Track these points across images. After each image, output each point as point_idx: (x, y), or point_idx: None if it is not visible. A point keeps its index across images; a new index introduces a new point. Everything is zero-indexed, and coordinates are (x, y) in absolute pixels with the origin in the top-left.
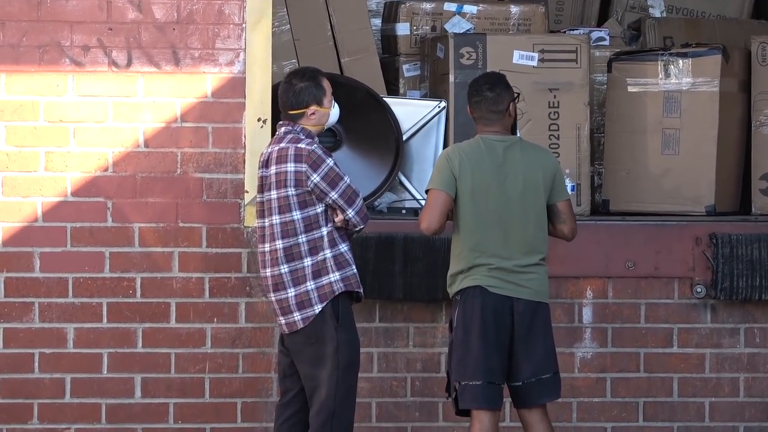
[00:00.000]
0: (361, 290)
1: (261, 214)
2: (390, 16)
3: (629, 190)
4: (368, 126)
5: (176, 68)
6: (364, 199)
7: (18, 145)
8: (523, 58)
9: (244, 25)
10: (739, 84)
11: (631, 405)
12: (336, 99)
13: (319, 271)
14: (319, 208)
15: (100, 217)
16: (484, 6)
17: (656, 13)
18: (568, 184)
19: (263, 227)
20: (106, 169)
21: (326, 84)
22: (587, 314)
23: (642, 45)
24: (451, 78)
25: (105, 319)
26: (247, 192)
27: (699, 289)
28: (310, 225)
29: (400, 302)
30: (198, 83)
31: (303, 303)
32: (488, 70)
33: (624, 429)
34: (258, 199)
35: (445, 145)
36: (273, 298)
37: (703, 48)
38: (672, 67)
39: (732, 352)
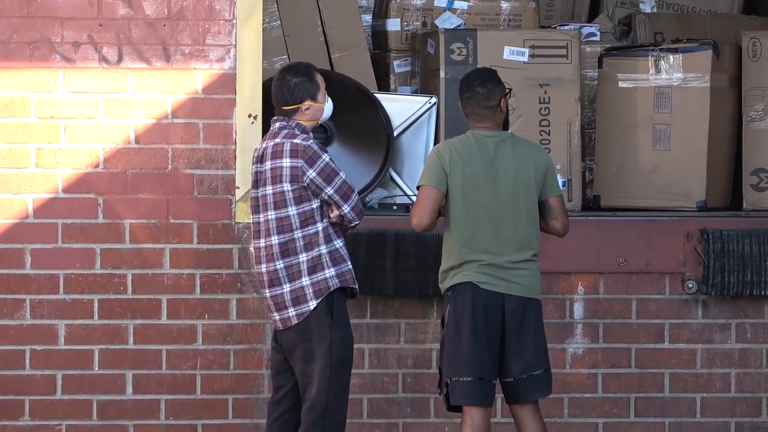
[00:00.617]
0: (356, 286)
1: (256, 210)
2: (381, 11)
3: (620, 185)
4: (359, 122)
5: (167, 64)
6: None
7: (9, 142)
8: (514, 53)
9: (234, 21)
10: (729, 79)
11: (622, 401)
12: (327, 95)
13: (314, 267)
14: (315, 204)
15: (91, 214)
16: (474, 2)
17: (647, 8)
18: (560, 179)
19: (258, 223)
20: (97, 166)
21: (320, 79)
22: (578, 310)
23: (633, 40)
24: (442, 74)
25: (96, 316)
26: (238, 188)
27: (690, 285)
28: (306, 221)
29: (391, 298)
30: (188, 79)
31: (298, 299)
32: (479, 66)
33: (615, 425)
34: (252, 195)
35: (436, 141)
36: (268, 294)
37: (693, 43)
38: (663, 62)
39: (723, 347)
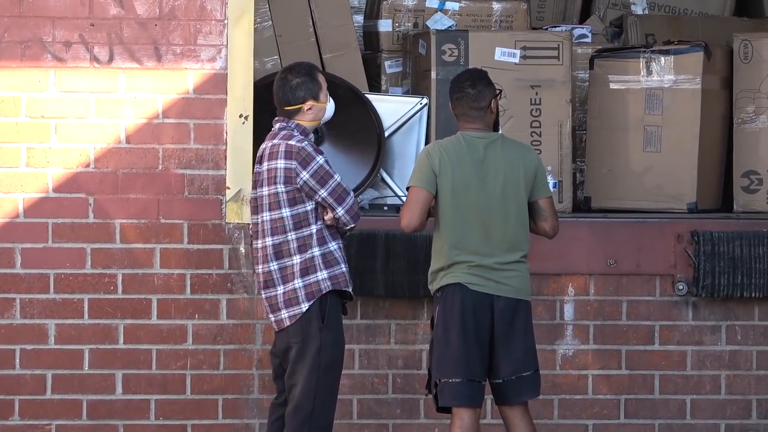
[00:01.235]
0: (350, 289)
1: (255, 211)
2: (372, 12)
3: (611, 187)
4: (350, 122)
5: (158, 64)
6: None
7: None
8: (505, 54)
9: (225, 21)
10: (721, 81)
11: (612, 402)
12: (328, 94)
13: (307, 269)
14: (309, 206)
15: (81, 213)
16: (466, 3)
17: (638, 10)
18: (550, 181)
19: (257, 224)
20: (88, 165)
21: (321, 78)
22: (569, 311)
23: (624, 42)
24: (433, 74)
25: (86, 315)
26: (229, 188)
27: (681, 287)
28: (300, 222)
29: (381, 299)
30: (180, 79)
31: (291, 301)
32: (470, 67)
33: (605, 426)
34: (252, 196)
35: (427, 142)
36: (263, 295)
37: (685, 45)
38: (654, 64)
39: (713, 349)
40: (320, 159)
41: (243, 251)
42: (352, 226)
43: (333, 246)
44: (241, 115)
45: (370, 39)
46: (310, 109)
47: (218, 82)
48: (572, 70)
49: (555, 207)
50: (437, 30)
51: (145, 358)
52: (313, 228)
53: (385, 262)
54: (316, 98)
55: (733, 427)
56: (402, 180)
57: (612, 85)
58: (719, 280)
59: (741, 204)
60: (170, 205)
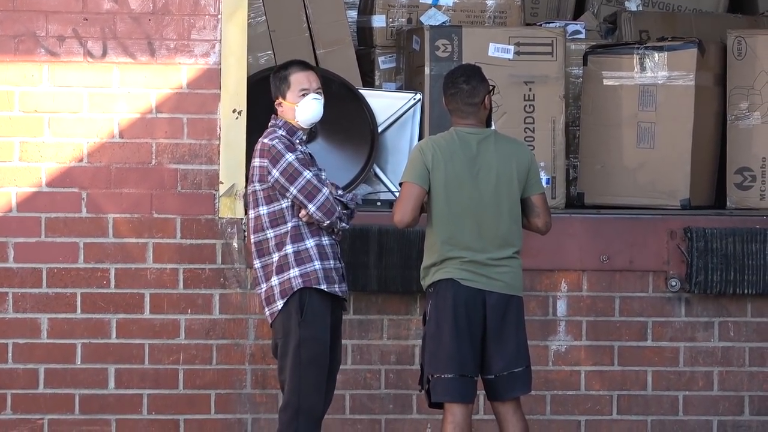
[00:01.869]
0: (324, 286)
1: (248, 206)
2: (366, 8)
3: (604, 183)
4: (343, 118)
5: (151, 59)
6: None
7: None
8: (499, 50)
9: (219, 16)
10: (714, 78)
11: (605, 398)
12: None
13: (281, 267)
14: (285, 204)
15: (74, 208)
16: None
17: (632, 6)
18: (543, 177)
19: (249, 221)
20: (81, 160)
21: (296, 78)
22: (561, 307)
23: (618, 38)
24: (427, 70)
25: (79, 310)
26: (222, 183)
27: (673, 283)
28: (276, 220)
29: (374, 294)
30: (173, 74)
31: (269, 298)
32: (464, 63)
33: (598, 422)
34: (246, 190)
35: (421, 137)
36: (258, 292)
37: (678, 42)
38: (648, 60)
39: (706, 345)
40: (289, 157)
41: (236, 246)
42: (328, 222)
43: (310, 243)
44: (234, 110)
45: (363, 35)
46: (279, 105)
47: (212, 77)
48: (566, 66)
49: (548, 203)
50: (431, 26)
51: (138, 353)
52: (289, 225)
53: (378, 258)
54: (284, 97)
55: (725, 424)
56: (395, 175)
57: (605, 82)
58: (712, 276)
59: (734, 201)
60: (163, 199)
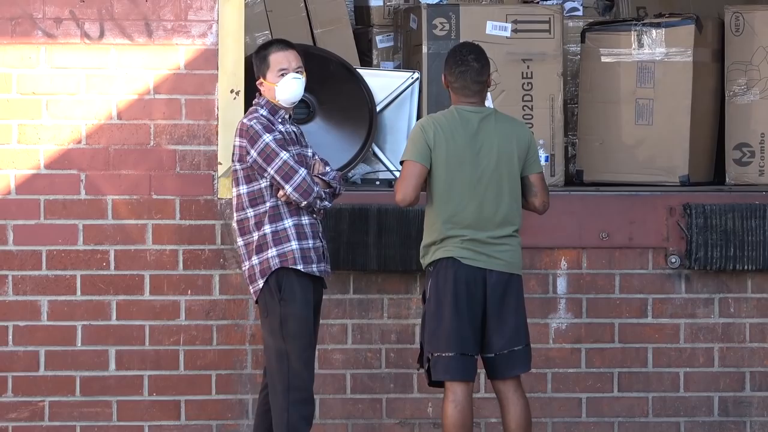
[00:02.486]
0: (302, 266)
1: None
2: None
3: (603, 160)
4: (341, 97)
5: (149, 40)
6: (339, 170)
7: None
8: (497, 28)
9: None
10: (712, 54)
11: (605, 375)
12: (309, 70)
13: (260, 246)
14: (264, 183)
15: (73, 190)
16: None
17: None
18: (542, 154)
19: (233, 200)
20: (79, 142)
21: (275, 58)
22: (561, 285)
23: (615, 15)
24: (425, 49)
25: (79, 292)
26: (221, 164)
27: (673, 260)
28: (255, 200)
29: (374, 274)
30: (171, 55)
31: (251, 277)
32: (461, 41)
33: (599, 399)
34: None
35: (419, 116)
36: (243, 270)
37: (676, 18)
38: (645, 37)
39: (706, 322)
40: (267, 137)
41: (233, 227)
42: (305, 203)
43: (288, 223)
44: (232, 91)
45: (361, 14)
46: (261, 85)
47: (209, 58)
48: (564, 43)
49: (545, 183)
50: (428, 4)
51: (138, 334)
52: (267, 205)
53: (377, 237)
54: (264, 77)
55: (726, 400)
56: (394, 154)
57: (603, 59)
58: (712, 252)
59: (733, 176)
60: (162, 180)
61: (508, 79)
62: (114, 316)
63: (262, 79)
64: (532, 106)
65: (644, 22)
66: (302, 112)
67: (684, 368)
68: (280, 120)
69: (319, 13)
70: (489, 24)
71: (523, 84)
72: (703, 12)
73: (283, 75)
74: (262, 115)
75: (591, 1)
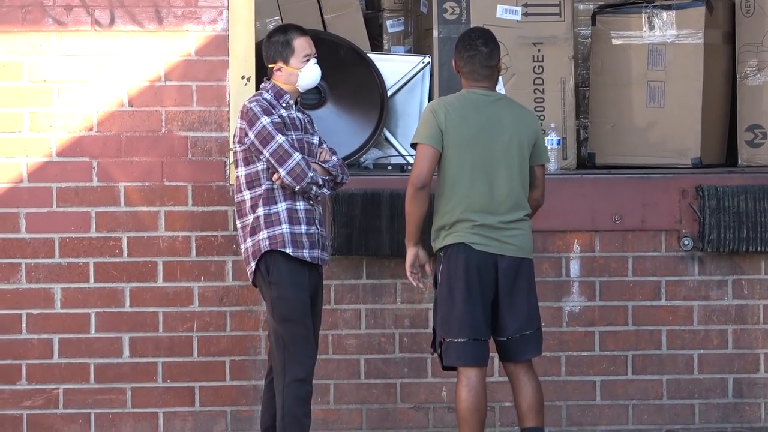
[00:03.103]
0: (291, 250)
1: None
2: None
3: (615, 143)
4: (352, 82)
5: (159, 27)
6: (351, 156)
7: (1, 106)
8: (507, 12)
9: None
10: (723, 36)
11: (619, 358)
12: (319, 56)
13: (254, 229)
14: (261, 166)
15: (85, 177)
16: None
17: None
18: (554, 138)
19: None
20: (91, 129)
21: (299, 43)
22: (575, 268)
23: None
24: (435, 33)
25: (92, 279)
26: (232, 150)
27: (686, 242)
28: (252, 182)
29: (387, 259)
30: (181, 41)
31: (246, 259)
32: (472, 25)
33: (613, 382)
34: None
35: (430, 100)
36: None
37: (686, 0)
38: (656, 19)
39: (720, 304)
40: (264, 120)
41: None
42: (297, 187)
43: (281, 207)
44: (243, 77)
45: None
46: (279, 70)
47: (220, 44)
48: (574, 26)
49: (544, 177)
50: None
51: (152, 321)
52: (263, 188)
53: (390, 222)
54: (285, 61)
55: (740, 382)
56: (406, 139)
57: (614, 41)
58: (725, 234)
59: (745, 158)
60: (174, 167)
61: (519, 62)
62: (127, 303)
63: (281, 64)
64: (543, 89)
65: (655, 4)
66: (313, 97)
67: (698, 350)
68: (284, 104)
69: None
70: (499, 8)
71: (534, 67)
72: None
73: (307, 60)
74: (264, 98)
75: None
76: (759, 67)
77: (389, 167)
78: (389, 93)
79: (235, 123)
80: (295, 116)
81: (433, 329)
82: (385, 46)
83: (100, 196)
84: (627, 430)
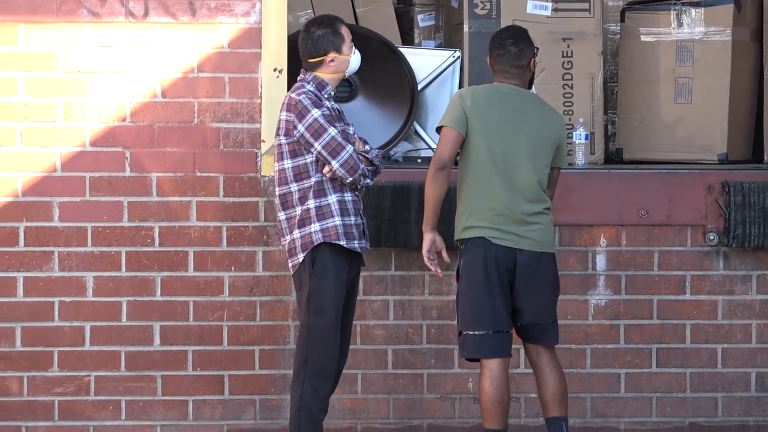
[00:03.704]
0: (344, 242)
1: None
2: None
3: (642, 138)
4: (383, 76)
5: (193, 19)
6: (381, 148)
7: (36, 96)
8: (537, 7)
9: None
10: (751, 33)
11: (644, 351)
12: (354, 47)
13: (303, 221)
14: (309, 158)
15: (118, 167)
16: None
17: None
18: (582, 132)
19: (275, 175)
20: (124, 120)
21: (345, 31)
22: (601, 262)
23: None
24: (466, 28)
25: (124, 268)
26: (264, 141)
27: (711, 237)
28: (300, 174)
29: (416, 250)
30: (214, 33)
31: (291, 251)
32: (502, 20)
33: (638, 375)
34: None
35: None
36: (281, 244)
37: None
38: (685, 16)
39: (744, 298)
40: (316, 112)
41: (276, 204)
42: (350, 179)
43: (332, 199)
44: (275, 69)
45: None
46: (332, 61)
47: (252, 36)
48: (603, 22)
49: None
50: None
51: (183, 310)
52: (312, 180)
53: (418, 214)
54: (338, 50)
55: (764, 376)
56: (435, 133)
57: (643, 38)
58: (750, 230)
59: None
60: (206, 158)
61: (548, 57)
62: (158, 292)
63: (334, 54)
64: (572, 84)
65: (684, 1)
66: (344, 90)
67: (721, 344)
68: (326, 96)
69: None
70: (530, 3)
71: (563, 63)
72: None
73: (353, 47)
74: (309, 90)
75: None
76: None
77: (419, 160)
78: (420, 86)
79: (279, 115)
80: (335, 107)
81: (457, 321)
82: (416, 40)
83: (132, 186)
84: (650, 422)
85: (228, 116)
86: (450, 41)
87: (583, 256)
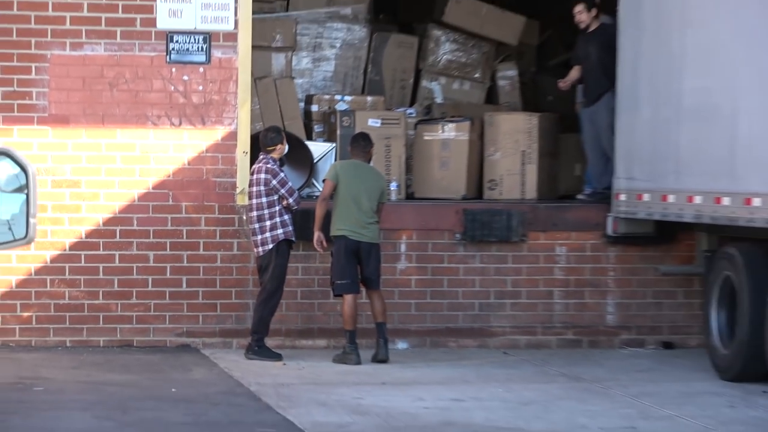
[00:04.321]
0: (293, 238)
1: (249, 197)
2: (308, 100)
3: (424, 186)
4: (297, 154)
5: (203, 126)
6: (298, 190)
7: (125, 164)
8: (373, 122)
9: (236, 105)
10: (478, 136)
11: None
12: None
13: (273, 227)
14: (275, 197)
15: (165, 199)
16: (353, 97)
17: (438, 99)
18: (394, 182)
19: (250, 204)
20: (169, 176)
21: (283, 134)
22: (402, 248)
23: (431, 116)
24: (338, 132)
25: (168, 249)
26: (238, 188)
27: (457, 236)
28: (271, 204)
29: (312, 241)
30: (214, 133)
31: (264, 243)
32: (356, 128)
33: (437, 304)
34: (248, 189)
35: None
36: (252, 239)
37: (460, 117)
38: (445, 126)
39: (473, 266)
40: (282, 174)
41: (244, 219)
42: (296, 208)
43: (285, 217)
44: (244, 152)
45: (308, 113)
46: (279, 148)
47: (233, 135)
48: (406, 129)
49: (383, 208)
50: (340, 110)
51: (196, 270)
52: (276, 208)
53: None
54: (281, 143)
55: None
56: (322, 183)
57: (425, 137)
58: (475, 232)
59: (487, 195)
60: (209, 195)
61: (378, 147)
62: (185, 261)
63: (281, 145)
64: (389, 159)
65: (445, 119)
66: (280, 162)
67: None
68: (279, 165)
69: (286, 113)
70: (369, 120)
71: (385, 150)
72: (473, 114)
73: (286, 141)
74: (273, 163)
75: (419, 109)
76: (495, 150)
77: (314, 197)
78: (315, 161)
79: (253, 175)
80: (283, 170)
81: (330, 276)
82: (314, 138)
83: (171, 209)
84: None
85: (220, 174)
86: (330, 138)
87: (393, 245)
